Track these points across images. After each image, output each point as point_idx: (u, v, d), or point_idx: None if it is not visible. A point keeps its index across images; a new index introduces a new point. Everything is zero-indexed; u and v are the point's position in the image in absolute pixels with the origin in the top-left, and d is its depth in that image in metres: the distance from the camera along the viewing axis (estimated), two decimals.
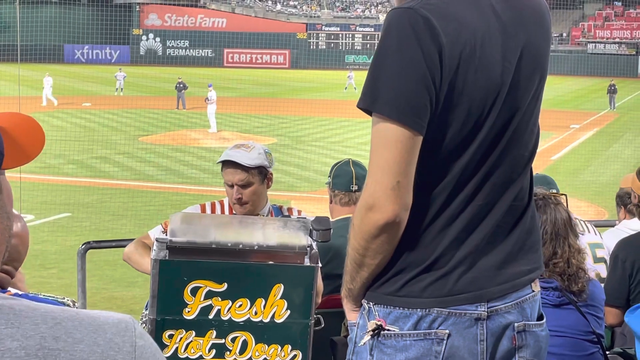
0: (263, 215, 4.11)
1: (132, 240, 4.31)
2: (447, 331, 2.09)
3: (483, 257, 2.14)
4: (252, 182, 4.08)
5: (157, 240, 2.82)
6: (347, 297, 2.24)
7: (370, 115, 2.05)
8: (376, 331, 2.12)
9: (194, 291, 2.79)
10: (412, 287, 2.10)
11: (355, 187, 4.44)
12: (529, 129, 2.22)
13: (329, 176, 4.53)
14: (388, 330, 2.11)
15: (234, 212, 4.18)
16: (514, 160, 2.19)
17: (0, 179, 1.28)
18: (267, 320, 2.86)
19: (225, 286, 2.80)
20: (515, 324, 2.18)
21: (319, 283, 3.66)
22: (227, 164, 4.12)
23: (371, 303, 2.16)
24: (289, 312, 2.88)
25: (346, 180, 4.46)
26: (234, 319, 2.83)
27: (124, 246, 5.47)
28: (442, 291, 2.09)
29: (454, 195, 2.10)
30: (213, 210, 4.27)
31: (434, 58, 1.99)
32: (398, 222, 2.04)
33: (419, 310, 2.09)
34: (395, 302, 2.11)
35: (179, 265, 2.78)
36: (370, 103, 2.03)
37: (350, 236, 2.13)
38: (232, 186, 4.11)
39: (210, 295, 2.80)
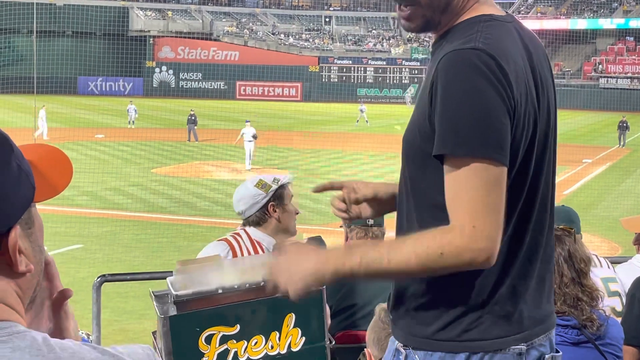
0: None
1: (146, 273, 4.29)
2: None
3: (529, 301, 2.20)
4: None
5: (158, 296, 2.83)
6: (337, 273, 2.05)
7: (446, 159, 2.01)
8: None
9: (208, 339, 2.78)
10: (473, 332, 2.12)
11: (371, 222, 4.42)
12: (555, 170, 2.26)
13: None
14: None
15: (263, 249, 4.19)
16: (550, 204, 2.23)
17: (32, 212, 1.26)
18: (284, 351, 2.87)
19: (237, 328, 2.81)
20: (546, 356, 2.23)
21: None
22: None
23: (409, 348, 2.17)
24: (304, 339, 2.90)
25: None
26: (251, 357, 2.82)
27: (139, 279, 5.48)
28: (502, 331, 2.13)
29: (512, 243, 2.14)
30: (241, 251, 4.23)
31: (509, 96, 1.99)
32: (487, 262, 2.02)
33: (461, 353, 2.12)
34: (444, 347, 2.12)
35: (189, 318, 2.77)
36: (456, 147, 1.97)
37: (410, 246, 2.00)
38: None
39: (224, 339, 2.80)
